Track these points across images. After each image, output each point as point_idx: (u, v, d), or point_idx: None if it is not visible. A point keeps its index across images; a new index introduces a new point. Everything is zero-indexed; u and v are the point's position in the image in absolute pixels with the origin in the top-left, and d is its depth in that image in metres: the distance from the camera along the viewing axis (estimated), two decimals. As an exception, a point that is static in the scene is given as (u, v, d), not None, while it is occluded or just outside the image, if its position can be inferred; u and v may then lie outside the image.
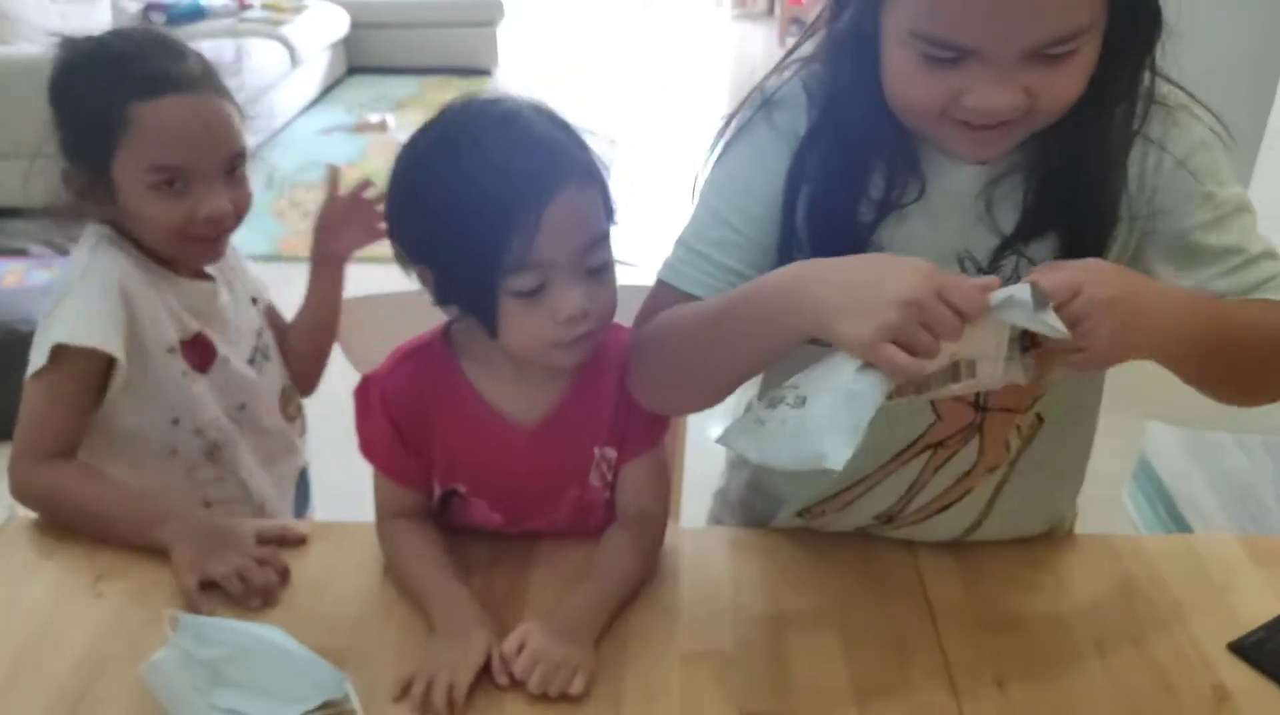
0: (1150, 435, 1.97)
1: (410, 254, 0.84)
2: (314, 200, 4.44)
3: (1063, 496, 0.99)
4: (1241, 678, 0.79)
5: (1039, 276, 0.67)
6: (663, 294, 0.84)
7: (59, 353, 0.96)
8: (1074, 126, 0.75)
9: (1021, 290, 0.66)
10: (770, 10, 6.48)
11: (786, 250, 0.82)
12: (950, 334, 0.65)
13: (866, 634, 0.84)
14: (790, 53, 0.85)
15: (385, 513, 0.93)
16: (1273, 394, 0.82)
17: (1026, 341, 0.70)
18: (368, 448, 0.92)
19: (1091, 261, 0.71)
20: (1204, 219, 0.79)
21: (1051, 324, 0.65)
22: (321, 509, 1.36)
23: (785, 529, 0.98)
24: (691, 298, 0.82)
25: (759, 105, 0.84)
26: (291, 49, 4.50)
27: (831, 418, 0.67)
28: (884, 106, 0.76)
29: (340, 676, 0.76)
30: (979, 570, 0.91)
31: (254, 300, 1.17)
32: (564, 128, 0.83)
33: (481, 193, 0.77)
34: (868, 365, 0.67)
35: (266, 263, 3.40)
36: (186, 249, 1.04)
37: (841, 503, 0.93)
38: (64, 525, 0.95)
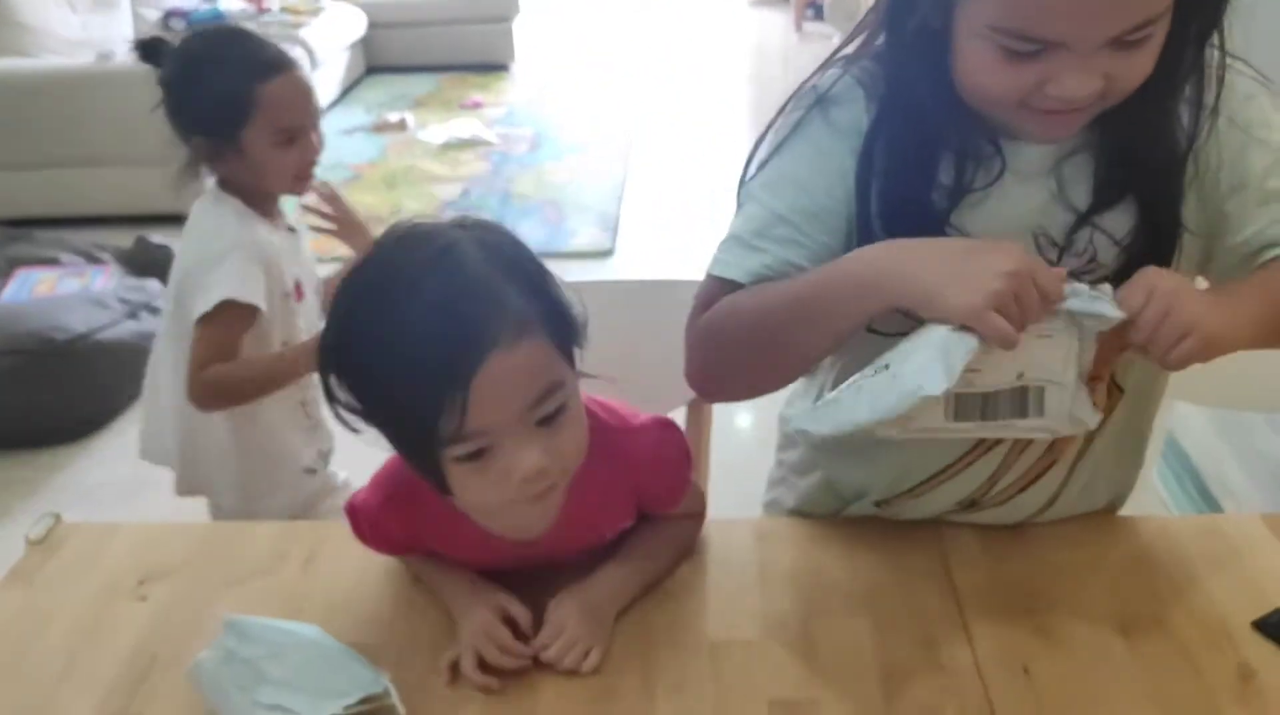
0: (1178, 415, 1.96)
1: (347, 407, 0.76)
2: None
3: (1131, 468, 1.00)
4: (1267, 655, 0.79)
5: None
6: (716, 288, 0.83)
7: (226, 305, 1.29)
8: (1142, 102, 0.76)
9: (1085, 287, 0.71)
10: (786, -5, 6.47)
11: (866, 240, 0.81)
12: (1036, 313, 0.68)
13: (892, 621, 0.85)
14: (838, 51, 0.85)
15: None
16: None
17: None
18: (364, 539, 0.90)
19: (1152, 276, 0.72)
20: (1263, 165, 0.80)
21: (1114, 307, 0.70)
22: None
23: (811, 518, 0.99)
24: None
25: (813, 103, 0.83)
26: (310, 51, 4.52)
27: (927, 364, 0.69)
28: (951, 95, 0.77)
29: (378, 673, 0.78)
30: (1003, 554, 0.92)
31: None
32: (506, 266, 0.73)
33: (404, 363, 0.70)
34: (960, 328, 0.69)
35: (292, 264, 3.45)
36: (298, 186, 1.41)
37: (922, 491, 0.94)
38: (238, 401, 1.35)
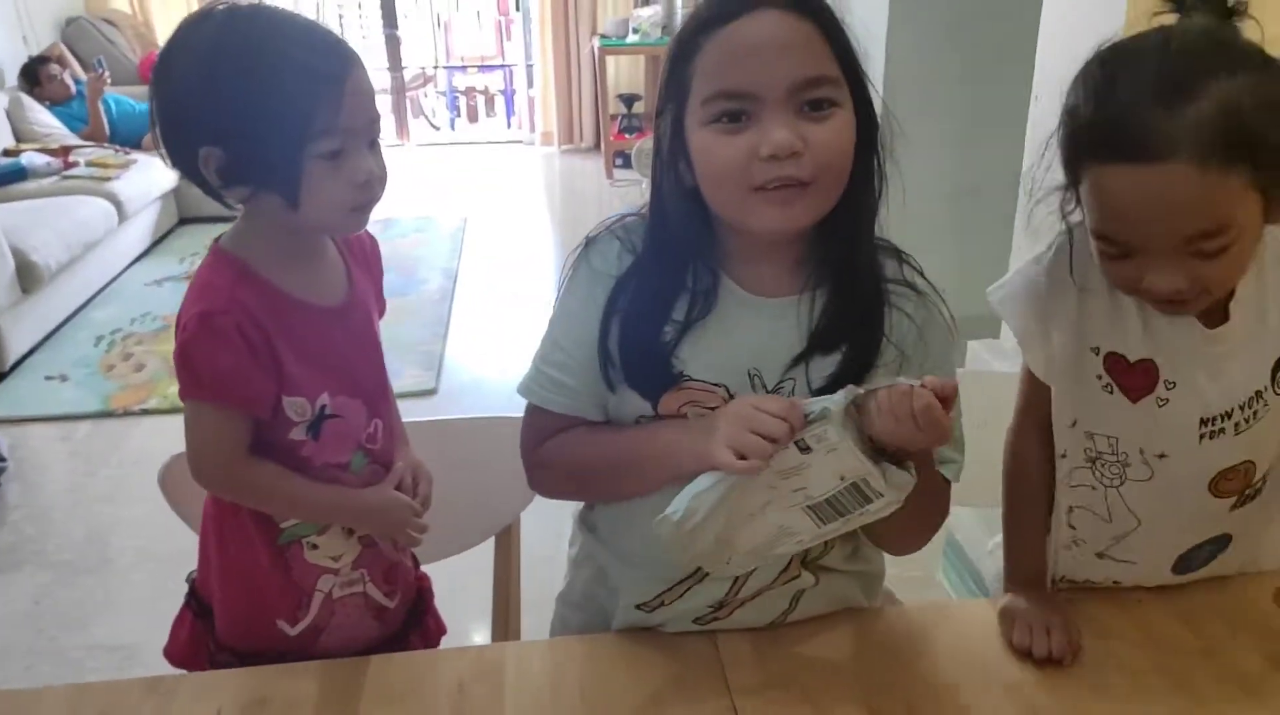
0: (956, 517, 2.15)
1: (198, 138, 0.91)
2: (146, 352, 4.35)
3: (860, 593, 1.10)
4: (993, 722, 0.91)
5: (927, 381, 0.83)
6: (534, 415, 1.03)
7: None
8: (841, 245, 0.92)
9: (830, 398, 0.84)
10: (596, 146, 6.85)
11: (603, 365, 0.96)
12: (777, 433, 0.82)
13: (673, 723, 0.92)
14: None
15: (236, 453, 0.98)
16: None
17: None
18: (220, 383, 0.94)
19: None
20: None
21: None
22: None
23: (602, 636, 1.06)
24: (553, 414, 1.00)
25: (582, 249, 1.00)
26: (119, 204, 4.46)
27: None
28: (702, 225, 0.93)
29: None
30: (771, 653, 1.01)
31: None
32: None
33: (293, 63, 0.88)
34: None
35: (98, 420, 3.31)
36: None
37: (675, 595, 1.03)
38: None
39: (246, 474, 0.99)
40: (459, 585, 1.59)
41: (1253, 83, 0.81)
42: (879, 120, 0.92)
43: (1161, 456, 1.00)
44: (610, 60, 6.42)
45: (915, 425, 0.80)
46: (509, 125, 8.12)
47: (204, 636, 1.09)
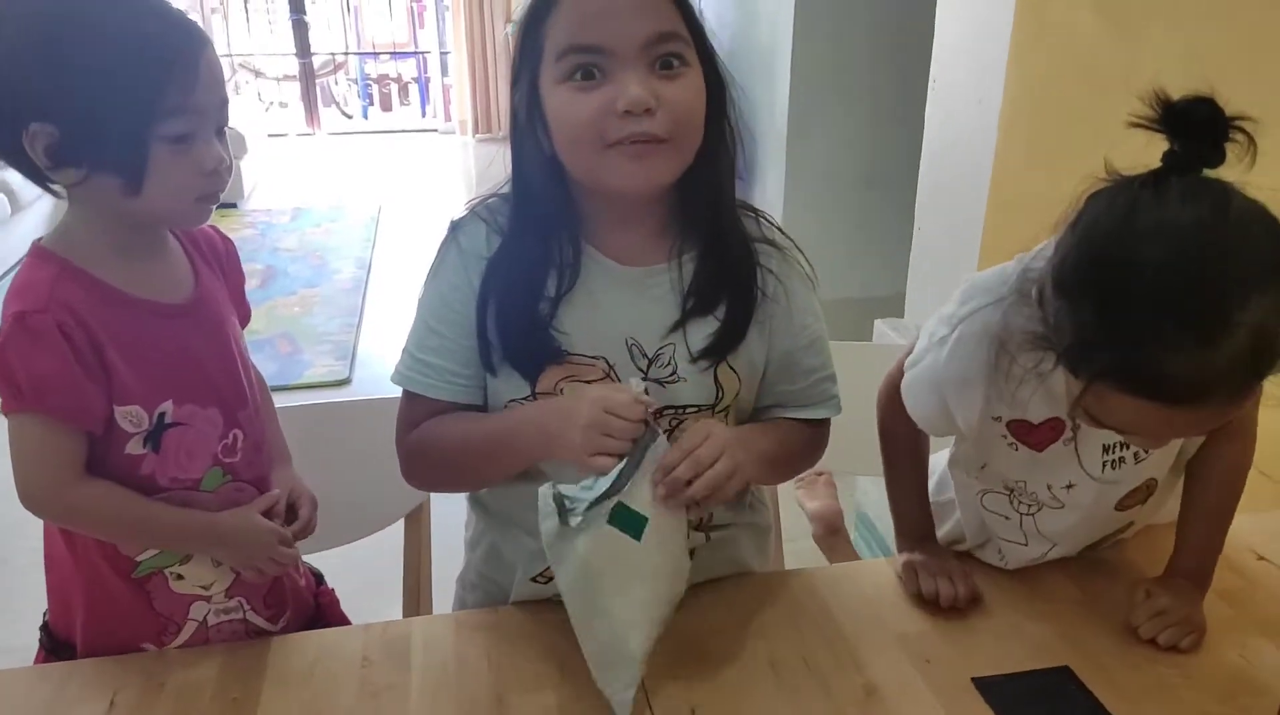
0: (862, 489, 2.21)
1: (25, 113, 0.82)
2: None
3: (751, 547, 1.13)
4: (887, 677, 0.94)
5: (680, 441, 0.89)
6: (408, 403, 1.01)
7: None
8: (704, 208, 0.94)
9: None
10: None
11: (484, 345, 0.97)
12: (626, 433, 0.85)
13: (578, 687, 0.93)
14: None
15: (68, 472, 0.89)
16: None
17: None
18: (42, 391, 0.85)
19: (707, 422, 0.94)
20: (802, 342, 1.01)
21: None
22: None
23: (506, 607, 1.07)
24: (428, 400, 0.99)
25: (448, 233, 0.99)
26: (10, 193, 4.29)
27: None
28: (561, 193, 0.93)
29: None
30: (676, 619, 0.99)
31: None
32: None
33: (144, 36, 0.83)
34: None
35: None
36: None
37: None
38: None
39: (81, 496, 0.90)
40: (371, 569, 1.58)
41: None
42: (726, 84, 0.94)
43: (1069, 487, 1.04)
44: (525, 47, 6.37)
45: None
46: (424, 114, 8.01)
47: None
